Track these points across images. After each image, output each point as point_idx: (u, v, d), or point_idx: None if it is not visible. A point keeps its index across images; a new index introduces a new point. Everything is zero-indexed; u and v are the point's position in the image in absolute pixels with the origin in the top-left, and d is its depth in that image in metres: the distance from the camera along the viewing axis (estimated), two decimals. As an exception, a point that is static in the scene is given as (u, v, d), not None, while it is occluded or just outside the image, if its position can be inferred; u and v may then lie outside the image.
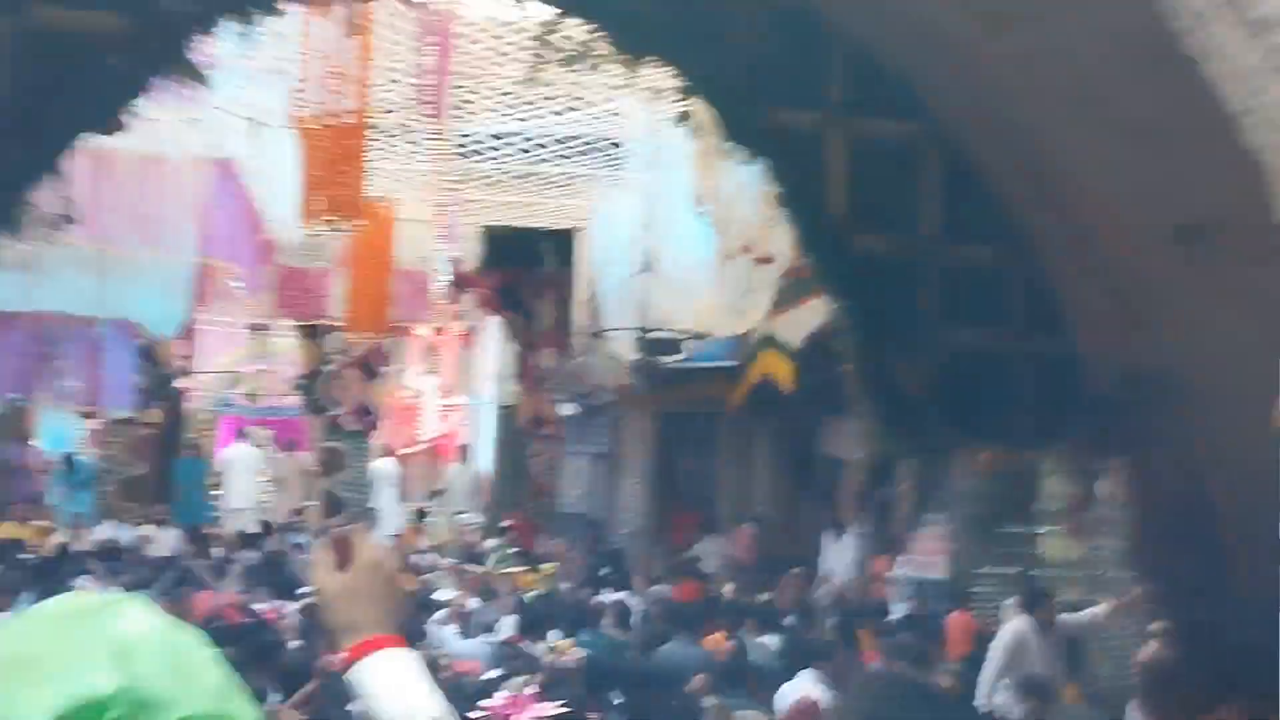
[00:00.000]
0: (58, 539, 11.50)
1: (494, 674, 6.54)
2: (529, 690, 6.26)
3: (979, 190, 2.88)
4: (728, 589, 10.11)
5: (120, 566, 10.01)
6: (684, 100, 4.29)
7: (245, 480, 15.88)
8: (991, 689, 6.88)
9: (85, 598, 1.10)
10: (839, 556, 11.68)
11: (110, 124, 2.65)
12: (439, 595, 9.15)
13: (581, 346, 12.87)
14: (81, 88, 2.49)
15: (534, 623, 8.20)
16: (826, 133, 2.80)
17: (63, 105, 2.45)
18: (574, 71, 5.72)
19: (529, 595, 9.98)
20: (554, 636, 7.78)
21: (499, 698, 6.48)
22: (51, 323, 10.58)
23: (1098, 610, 7.54)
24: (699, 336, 9.76)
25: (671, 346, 9.70)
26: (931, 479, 10.09)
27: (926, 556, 10.01)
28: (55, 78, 2.51)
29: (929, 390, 2.80)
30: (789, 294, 10.39)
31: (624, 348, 10.84)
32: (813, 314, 10.29)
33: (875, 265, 2.85)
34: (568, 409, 15.23)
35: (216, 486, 15.90)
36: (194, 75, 2.87)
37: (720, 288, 9.71)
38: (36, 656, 0.97)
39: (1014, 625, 7.17)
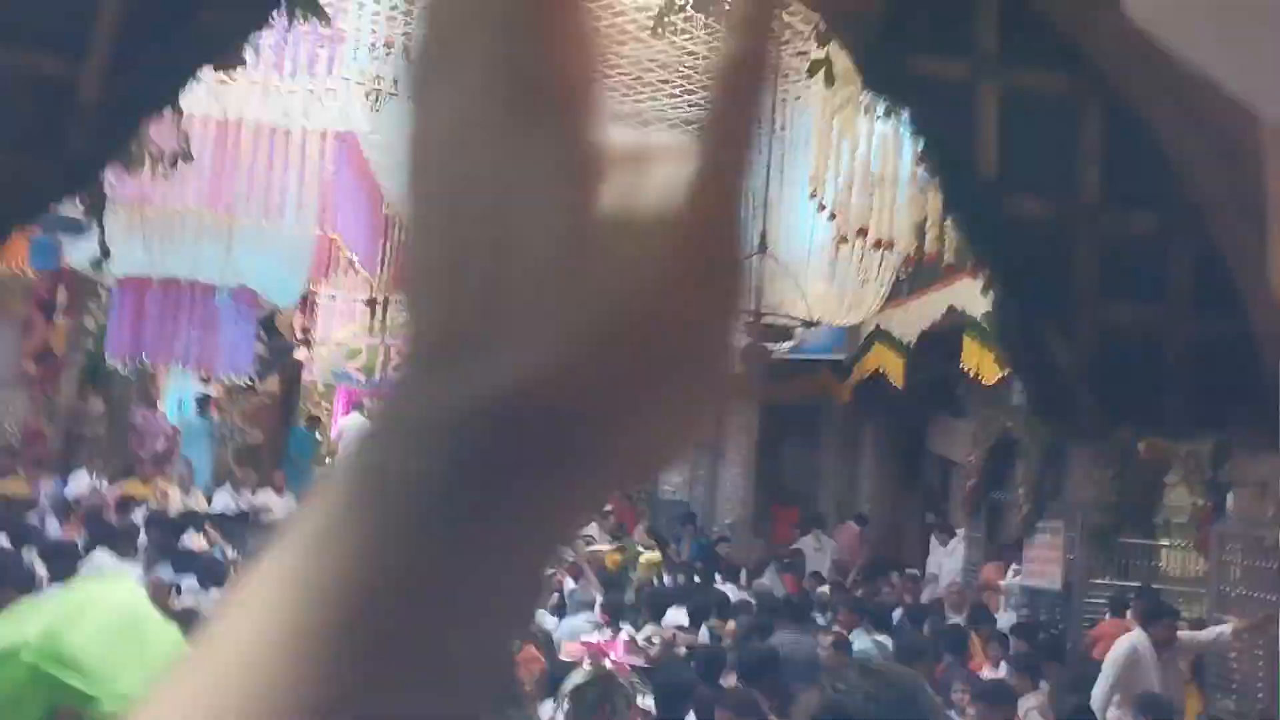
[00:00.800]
0: (178, 499, 11.89)
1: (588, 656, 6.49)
2: (624, 638, 6.24)
3: (1147, 152, 2.62)
4: (824, 587, 9.92)
5: (237, 530, 10.31)
6: (821, 46, 4.08)
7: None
8: (1105, 705, 6.56)
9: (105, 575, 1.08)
10: (948, 560, 11.38)
11: (230, 58, 2.64)
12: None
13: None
14: (201, 20, 2.48)
15: (635, 609, 8.17)
16: (976, 82, 2.59)
17: (182, 37, 2.44)
18: (706, 15, 5.55)
19: (632, 581, 9.92)
20: (652, 625, 7.71)
21: (598, 637, 6.49)
22: (177, 288, 10.95)
23: (1223, 629, 7.15)
24: (811, 324, 9.54)
25: (783, 334, 9.51)
26: (1049, 485, 9.71)
27: (1040, 565, 9.64)
28: (176, 9, 2.52)
29: (1083, 369, 2.58)
30: (904, 286, 10.12)
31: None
32: (928, 308, 10.00)
33: (1028, 230, 2.63)
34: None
35: (333, 457, 16.28)
36: (314, 10, 2.85)
37: (834, 276, 9.49)
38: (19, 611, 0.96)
39: (1129, 640, 6.83)
